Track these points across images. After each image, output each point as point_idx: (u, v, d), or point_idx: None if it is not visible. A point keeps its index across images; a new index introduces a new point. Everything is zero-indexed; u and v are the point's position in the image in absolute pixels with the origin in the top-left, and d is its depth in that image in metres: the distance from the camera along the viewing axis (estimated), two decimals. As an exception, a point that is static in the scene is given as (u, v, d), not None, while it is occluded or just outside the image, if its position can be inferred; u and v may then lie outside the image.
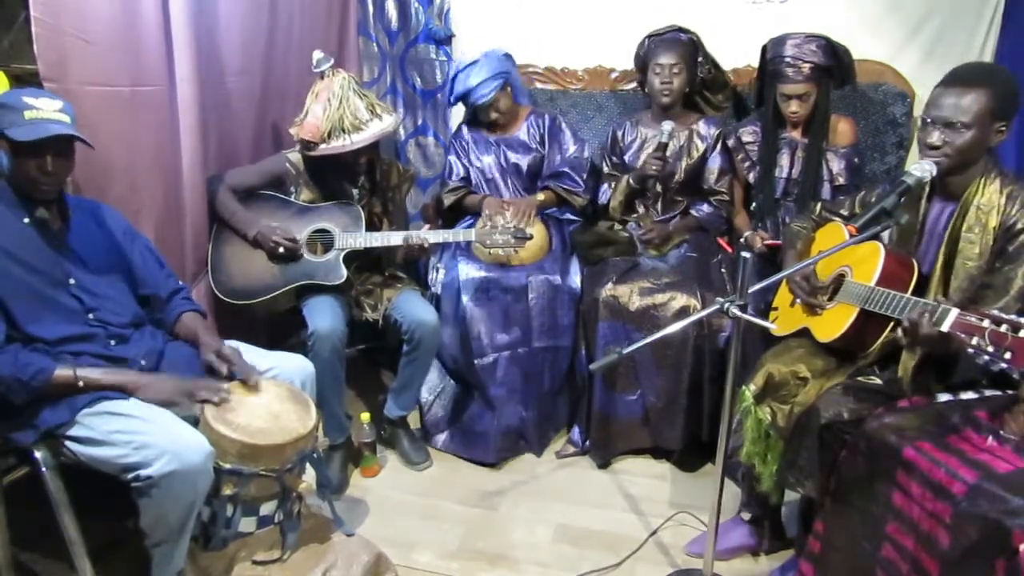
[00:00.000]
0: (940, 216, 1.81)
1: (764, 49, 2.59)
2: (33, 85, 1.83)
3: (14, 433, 1.67)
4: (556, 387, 2.68)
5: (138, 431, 1.60)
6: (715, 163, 2.77)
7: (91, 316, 1.78)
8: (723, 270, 2.58)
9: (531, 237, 2.50)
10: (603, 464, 2.59)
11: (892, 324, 1.74)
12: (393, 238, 2.44)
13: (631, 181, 2.77)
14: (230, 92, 2.52)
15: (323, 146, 2.36)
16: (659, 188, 2.81)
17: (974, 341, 1.37)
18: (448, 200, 2.92)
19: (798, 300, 2.02)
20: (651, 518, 2.30)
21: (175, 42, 2.18)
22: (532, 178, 2.92)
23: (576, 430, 2.68)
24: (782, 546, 2.13)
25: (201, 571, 1.72)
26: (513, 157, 2.91)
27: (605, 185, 2.88)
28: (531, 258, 2.67)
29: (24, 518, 1.81)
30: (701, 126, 2.78)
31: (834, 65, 2.49)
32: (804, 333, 1.99)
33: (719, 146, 2.75)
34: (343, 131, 2.33)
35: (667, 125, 2.65)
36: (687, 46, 2.70)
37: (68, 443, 1.66)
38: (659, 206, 2.84)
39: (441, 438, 2.69)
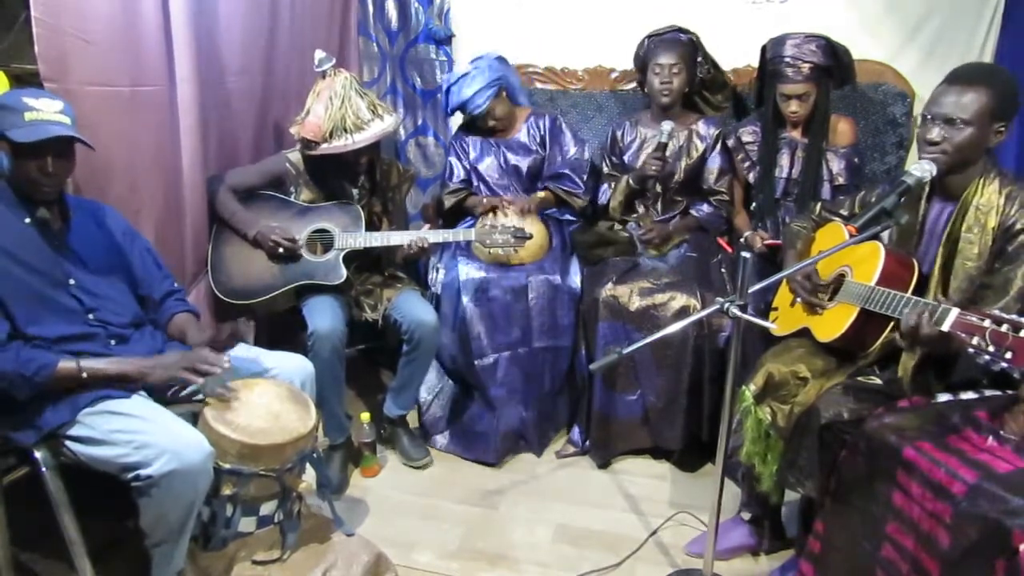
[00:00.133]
0: (940, 216, 1.81)
1: (764, 49, 2.59)
2: (33, 85, 1.83)
3: (15, 433, 1.67)
4: (556, 387, 2.68)
5: (138, 430, 1.60)
6: (715, 163, 2.77)
7: (91, 316, 1.78)
8: (723, 270, 2.59)
9: (531, 237, 2.50)
10: (603, 464, 2.59)
11: (892, 324, 1.74)
12: (393, 238, 2.44)
13: (631, 181, 2.77)
14: (230, 92, 2.52)
15: (324, 145, 2.36)
16: (659, 188, 2.81)
17: (974, 341, 1.37)
18: (448, 202, 2.92)
19: (798, 300, 2.02)
20: (651, 518, 2.31)
21: (175, 42, 2.18)
22: (532, 179, 2.93)
23: (576, 430, 2.68)
24: (782, 546, 2.13)
25: (201, 571, 1.72)
26: (513, 159, 2.90)
27: (605, 185, 2.88)
28: (531, 258, 2.67)
29: (24, 518, 1.81)
30: (701, 126, 2.78)
31: (834, 65, 2.49)
32: (804, 333, 1.99)
33: (719, 146, 2.75)
34: (345, 130, 2.34)
35: (666, 125, 2.65)
36: (686, 46, 2.70)
37: (68, 443, 1.66)
38: (659, 206, 2.84)
39: (441, 439, 2.69)
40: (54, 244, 1.74)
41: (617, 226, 2.83)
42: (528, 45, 3.12)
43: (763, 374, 1.89)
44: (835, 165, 2.53)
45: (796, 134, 2.60)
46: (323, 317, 2.29)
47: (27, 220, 1.71)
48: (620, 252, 2.70)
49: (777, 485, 1.90)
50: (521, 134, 2.92)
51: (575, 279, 2.66)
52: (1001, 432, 1.50)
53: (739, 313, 1.57)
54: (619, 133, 2.88)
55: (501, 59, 2.88)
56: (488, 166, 2.92)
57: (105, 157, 2.01)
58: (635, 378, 2.49)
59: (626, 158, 2.85)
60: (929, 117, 1.71)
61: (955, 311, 1.45)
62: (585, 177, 2.85)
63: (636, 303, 2.47)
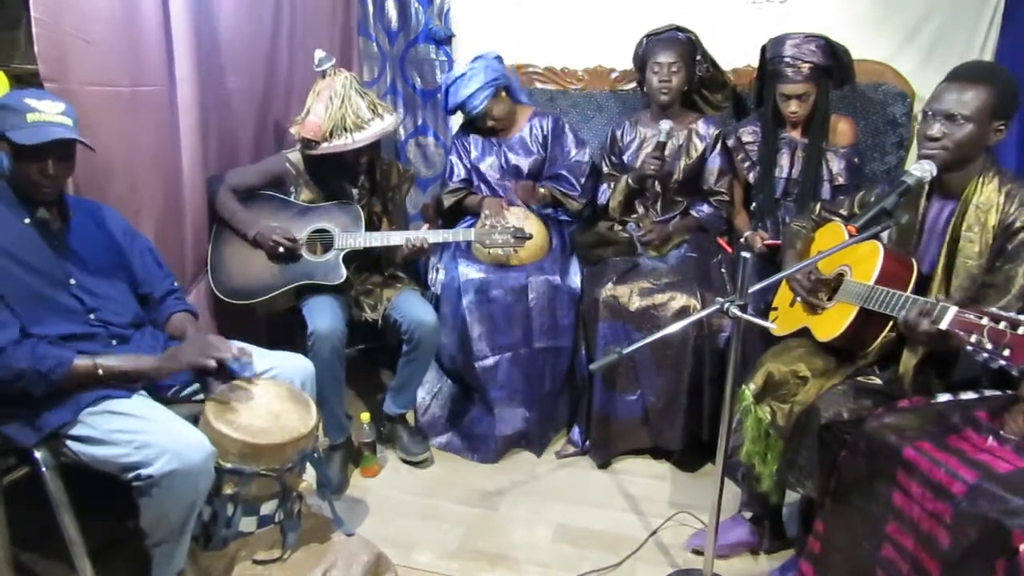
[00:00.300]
0: (940, 215, 1.82)
1: (764, 49, 2.59)
2: (33, 85, 1.83)
3: (15, 434, 1.66)
4: (557, 387, 2.68)
5: (139, 430, 1.60)
6: (715, 163, 2.77)
7: (92, 316, 1.78)
8: (723, 270, 2.58)
9: (531, 237, 2.50)
10: (603, 464, 2.59)
11: (891, 323, 1.74)
12: (393, 238, 2.44)
13: (630, 181, 2.77)
14: (230, 92, 2.53)
15: (325, 145, 2.36)
16: (658, 188, 2.81)
17: (973, 338, 1.38)
18: (448, 201, 2.92)
19: (798, 299, 2.02)
20: (651, 518, 2.31)
21: (175, 42, 2.18)
22: (532, 180, 2.92)
23: (576, 430, 2.68)
24: (782, 546, 2.13)
25: (201, 571, 1.72)
26: (514, 159, 2.90)
27: (604, 185, 2.88)
28: (531, 258, 2.67)
29: (24, 518, 1.81)
30: (700, 126, 2.78)
31: (833, 65, 2.49)
32: (804, 333, 1.99)
33: (719, 146, 2.75)
34: (345, 130, 2.34)
35: (665, 124, 2.64)
36: (685, 45, 2.70)
37: (69, 442, 1.66)
38: (659, 206, 2.84)
39: (441, 440, 2.69)
40: (54, 244, 1.74)
41: (617, 226, 2.83)
42: (528, 45, 3.12)
43: (763, 374, 1.89)
44: (835, 165, 2.53)
45: (796, 134, 2.60)
46: (323, 317, 2.29)
47: (27, 220, 1.71)
48: (620, 252, 2.70)
49: (777, 485, 1.91)
50: (523, 133, 2.91)
51: (575, 279, 2.65)
52: (1001, 432, 1.50)
53: (739, 313, 1.57)
54: (619, 133, 2.88)
55: (499, 59, 2.87)
56: (489, 165, 2.92)
57: (105, 157, 2.01)
58: (635, 378, 2.49)
59: (626, 158, 2.85)
60: (930, 113, 1.72)
61: (953, 309, 1.46)
62: (583, 180, 2.84)
63: (636, 303, 2.47)
